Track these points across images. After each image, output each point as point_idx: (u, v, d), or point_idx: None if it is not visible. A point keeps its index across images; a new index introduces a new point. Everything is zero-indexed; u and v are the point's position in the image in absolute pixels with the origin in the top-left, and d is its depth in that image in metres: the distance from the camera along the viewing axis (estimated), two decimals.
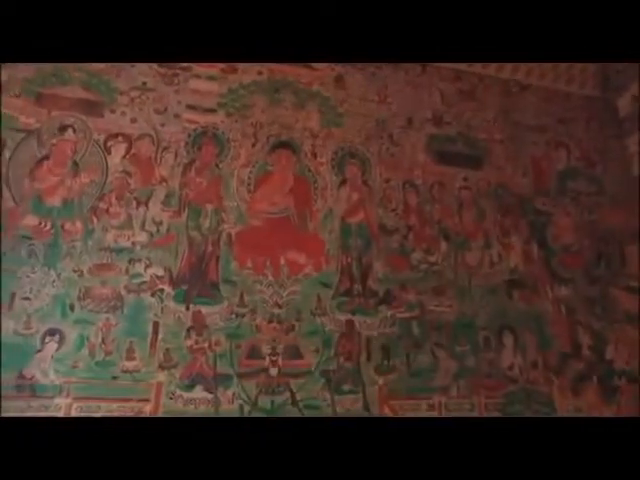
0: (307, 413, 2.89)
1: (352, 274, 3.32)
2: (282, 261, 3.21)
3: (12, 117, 3.09)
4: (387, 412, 3.02)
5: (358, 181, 3.62)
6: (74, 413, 2.61)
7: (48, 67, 3.25)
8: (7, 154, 3.01)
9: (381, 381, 3.08)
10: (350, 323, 3.17)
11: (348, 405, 2.99)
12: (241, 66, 3.64)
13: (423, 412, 3.08)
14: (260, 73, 3.68)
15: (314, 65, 3.81)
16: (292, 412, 2.87)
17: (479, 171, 3.94)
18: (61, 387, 2.64)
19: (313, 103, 3.73)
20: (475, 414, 3.16)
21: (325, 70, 3.84)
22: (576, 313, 3.69)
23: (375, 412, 3.00)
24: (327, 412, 2.93)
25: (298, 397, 2.92)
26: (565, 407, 3.37)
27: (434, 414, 3.08)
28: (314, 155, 3.58)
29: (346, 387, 3.02)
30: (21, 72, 3.18)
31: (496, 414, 3.20)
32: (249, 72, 3.66)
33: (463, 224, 3.72)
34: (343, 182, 3.58)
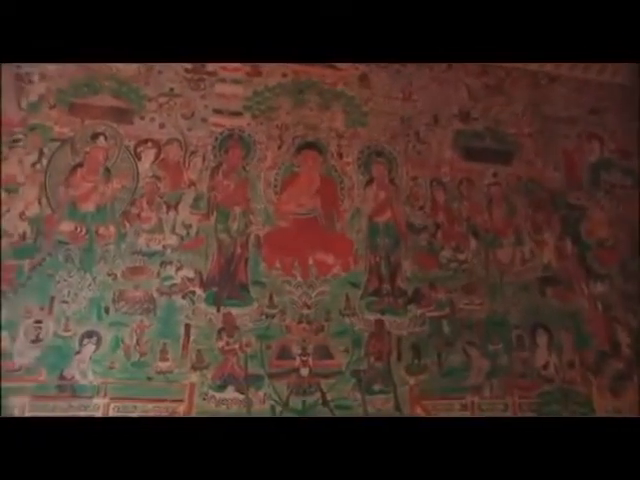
0: (338, 413, 2.89)
1: (381, 273, 3.30)
2: (310, 262, 3.22)
3: (48, 127, 3.20)
4: (419, 412, 3.00)
5: (385, 180, 3.59)
6: (112, 413, 2.68)
7: (80, 77, 3.35)
8: (44, 163, 3.12)
9: (412, 381, 3.06)
10: (380, 323, 3.16)
11: (379, 405, 2.98)
12: (265, 69, 3.67)
13: (456, 412, 3.04)
14: (284, 75, 3.69)
15: (338, 65, 3.80)
16: (323, 412, 2.88)
17: (508, 166, 3.85)
18: (99, 387, 2.72)
19: (338, 103, 3.72)
20: (509, 414, 3.10)
21: (349, 69, 3.82)
22: (613, 310, 3.57)
23: (407, 412, 2.98)
24: (358, 412, 2.92)
25: (329, 397, 2.92)
26: (604, 407, 3.27)
27: (467, 414, 3.04)
28: (340, 155, 3.57)
29: (377, 387, 3.01)
30: (55, 84, 3.30)
31: (531, 414, 3.13)
32: (273, 74, 3.68)
33: (493, 221, 3.65)
34: (370, 181, 3.56)
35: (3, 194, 2.99)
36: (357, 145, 3.63)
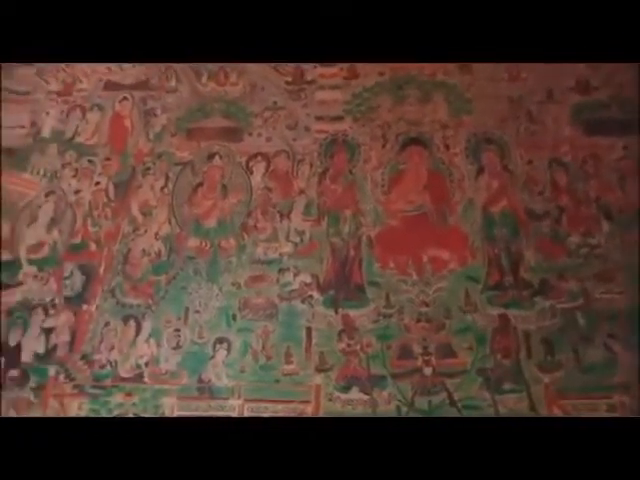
0: (466, 413, 2.77)
1: (501, 265, 3.11)
2: (424, 259, 3.14)
3: (171, 153, 3.57)
4: (557, 412, 2.76)
5: (497, 167, 3.39)
6: (246, 413, 2.86)
7: (194, 104, 3.69)
8: (170, 186, 3.48)
9: (547, 379, 2.82)
10: (504, 318, 2.98)
11: (511, 405, 2.79)
12: (362, 70, 3.68)
13: (602, 413, 2.74)
14: (381, 74, 3.67)
15: None
16: (451, 412, 2.78)
17: None
18: (233, 389, 2.92)
19: (439, 94, 3.61)
20: None
21: None
22: None
23: (543, 412, 2.76)
24: (488, 412, 2.77)
25: (456, 397, 2.81)
26: None
27: (616, 415, 2.73)
28: (446, 147, 3.45)
29: (507, 386, 2.83)
30: (174, 114, 3.67)
31: None
32: (370, 74, 3.68)
33: (628, 199, 3.25)
34: (480, 170, 3.39)
35: (140, 217, 3.40)
36: (463, 134, 3.48)
